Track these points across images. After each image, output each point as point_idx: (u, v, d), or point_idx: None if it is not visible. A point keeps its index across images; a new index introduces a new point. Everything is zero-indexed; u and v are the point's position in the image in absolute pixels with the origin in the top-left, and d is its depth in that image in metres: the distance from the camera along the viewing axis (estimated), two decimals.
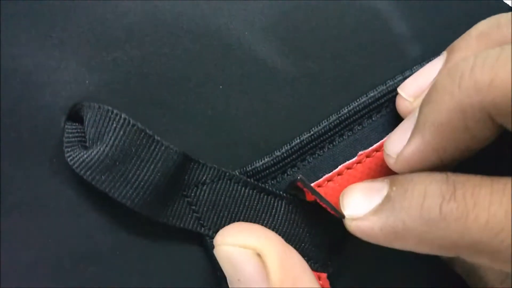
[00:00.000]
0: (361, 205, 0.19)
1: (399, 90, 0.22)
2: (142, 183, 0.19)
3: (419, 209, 0.17)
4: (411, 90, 0.22)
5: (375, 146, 0.22)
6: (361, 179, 0.22)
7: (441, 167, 0.18)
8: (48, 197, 0.19)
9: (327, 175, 0.22)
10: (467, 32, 0.21)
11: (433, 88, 0.18)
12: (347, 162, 0.22)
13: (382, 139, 0.23)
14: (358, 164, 0.22)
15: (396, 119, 0.23)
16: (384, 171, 0.23)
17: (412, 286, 0.24)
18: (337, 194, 0.22)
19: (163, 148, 0.19)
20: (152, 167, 0.19)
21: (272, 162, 0.22)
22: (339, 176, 0.22)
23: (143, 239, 0.21)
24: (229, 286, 0.20)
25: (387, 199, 0.18)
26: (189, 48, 0.20)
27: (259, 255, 0.18)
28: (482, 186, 0.16)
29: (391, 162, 0.20)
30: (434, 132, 0.17)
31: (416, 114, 0.19)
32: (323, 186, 0.22)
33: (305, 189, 0.20)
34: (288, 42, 0.21)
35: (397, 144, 0.19)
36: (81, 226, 0.20)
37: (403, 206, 0.17)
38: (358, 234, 0.19)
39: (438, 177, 0.17)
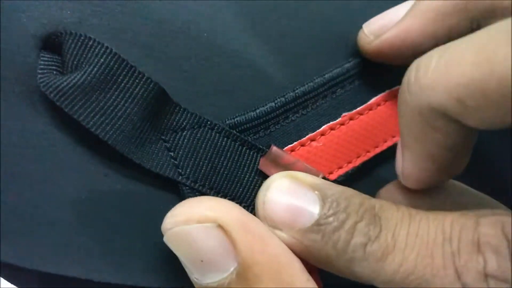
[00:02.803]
0: (286, 218, 0.18)
1: (364, 25, 0.23)
2: (119, 114, 0.18)
3: (346, 245, 0.17)
4: (374, 27, 0.22)
5: (358, 109, 0.22)
6: (344, 140, 0.22)
7: (441, 168, 0.18)
8: (18, 128, 0.18)
9: (310, 134, 0.21)
10: None
11: (398, 100, 0.18)
12: (331, 123, 0.22)
13: (365, 102, 0.23)
14: (342, 126, 0.22)
15: (378, 85, 0.23)
16: (366, 135, 0.22)
17: None
18: (320, 153, 0.21)
19: (143, 79, 0.19)
20: (130, 99, 0.18)
21: (255, 115, 0.21)
22: (323, 136, 0.22)
23: (117, 183, 0.19)
24: (190, 276, 0.17)
25: (317, 225, 0.17)
26: None
27: (219, 226, 0.17)
28: (402, 225, 0.17)
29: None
30: (415, 142, 0.18)
31: None
32: (306, 144, 0.21)
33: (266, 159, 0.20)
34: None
35: (398, 162, 0.20)
36: (50, 161, 0.18)
37: (332, 238, 0.17)
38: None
39: (367, 214, 0.17)
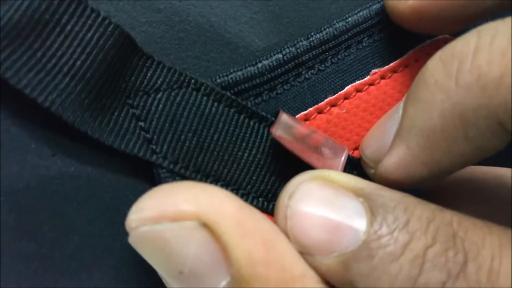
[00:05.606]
0: (319, 240, 0.13)
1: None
2: (64, 69, 0.13)
3: (411, 283, 0.12)
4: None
5: (392, 64, 0.18)
6: (374, 106, 0.17)
7: (432, 180, 0.14)
8: None
9: (330, 98, 0.16)
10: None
11: (421, 79, 0.13)
12: (357, 82, 0.17)
13: (401, 56, 0.17)
14: (371, 87, 0.17)
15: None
16: (401, 98, 0.17)
17: None
18: (342, 123, 0.16)
19: (99, 20, 0.13)
20: (80, 47, 0.13)
21: (256, 72, 0.15)
22: (346, 100, 0.17)
23: (69, 165, 0.14)
24: (167, 285, 0.13)
25: (365, 249, 0.12)
26: None
27: (205, 225, 0.12)
28: (503, 257, 0.12)
29: (369, 172, 0.15)
30: (423, 143, 0.13)
31: (400, 111, 0.14)
32: (324, 111, 0.16)
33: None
34: None
35: (376, 149, 0.15)
36: None
37: (387, 271, 0.12)
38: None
39: (442, 233, 0.12)
